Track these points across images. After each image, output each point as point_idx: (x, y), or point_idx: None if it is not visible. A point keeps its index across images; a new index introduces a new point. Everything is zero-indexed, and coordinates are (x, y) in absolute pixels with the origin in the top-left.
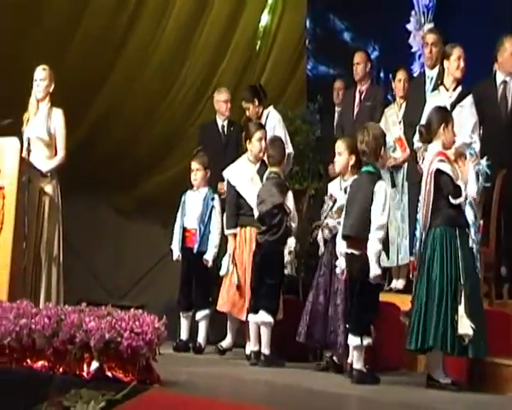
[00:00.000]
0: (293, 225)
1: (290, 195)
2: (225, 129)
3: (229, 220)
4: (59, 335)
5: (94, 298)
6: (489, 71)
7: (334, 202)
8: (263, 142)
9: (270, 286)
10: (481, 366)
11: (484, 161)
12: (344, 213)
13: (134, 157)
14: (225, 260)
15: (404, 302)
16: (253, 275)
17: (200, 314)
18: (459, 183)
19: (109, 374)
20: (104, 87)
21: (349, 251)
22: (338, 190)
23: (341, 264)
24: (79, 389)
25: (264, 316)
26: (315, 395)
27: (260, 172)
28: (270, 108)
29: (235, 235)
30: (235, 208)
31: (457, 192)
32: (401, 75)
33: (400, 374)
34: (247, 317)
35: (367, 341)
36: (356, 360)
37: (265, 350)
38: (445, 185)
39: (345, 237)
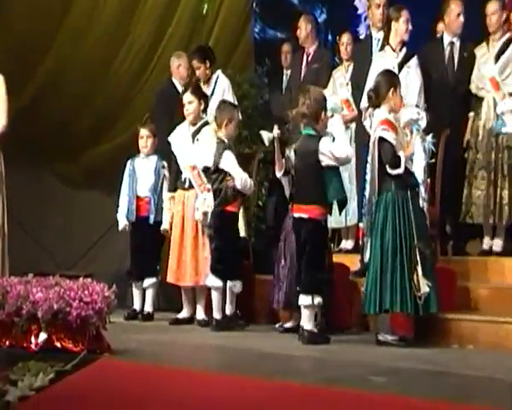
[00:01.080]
0: (238, 186)
1: (226, 155)
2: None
3: (169, 184)
4: (4, 307)
5: (42, 270)
6: (428, 33)
7: None
8: (192, 105)
9: (217, 249)
10: (427, 322)
11: (429, 138)
12: (294, 178)
13: (79, 125)
14: (165, 218)
15: (354, 262)
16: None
17: (147, 282)
18: (400, 153)
19: (58, 345)
20: (48, 54)
21: (297, 215)
22: None
23: None
24: (27, 361)
25: (212, 280)
26: (266, 358)
27: (194, 135)
28: (219, 72)
29: (172, 198)
30: (174, 172)
31: (396, 162)
32: (345, 38)
33: (351, 333)
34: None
35: (317, 300)
36: (306, 320)
37: (216, 315)
38: (385, 154)
39: (293, 202)
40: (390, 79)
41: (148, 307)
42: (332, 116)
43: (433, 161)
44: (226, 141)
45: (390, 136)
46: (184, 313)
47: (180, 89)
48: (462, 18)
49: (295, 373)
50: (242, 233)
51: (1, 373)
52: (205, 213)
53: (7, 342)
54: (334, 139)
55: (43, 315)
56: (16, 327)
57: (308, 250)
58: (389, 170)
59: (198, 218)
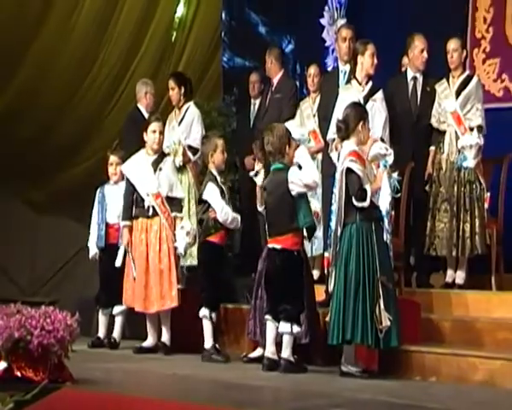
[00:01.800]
0: (219, 218)
1: (208, 187)
2: None
3: (123, 213)
4: None
5: (5, 295)
6: (395, 67)
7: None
8: (157, 134)
9: (201, 281)
10: (391, 354)
11: (395, 175)
12: (265, 214)
13: (47, 148)
14: (120, 255)
15: (319, 293)
16: None
17: (116, 310)
18: (367, 187)
19: (18, 374)
20: (16, 76)
21: (270, 246)
22: None
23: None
24: None
25: (202, 311)
26: (230, 388)
27: (156, 164)
28: (191, 103)
29: (129, 227)
30: (130, 201)
31: (362, 195)
32: (312, 70)
33: (316, 364)
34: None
35: (296, 329)
36: (284, 348)
37: (207, 344)
38: (352, 186)
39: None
40: (360, 112)
41: (116, 335)
42: (298, 146)
43: (399, 195)
44: (214, 172)
45: (357, 168)
46: (149, 342)
47: (146, 116)
48: (425, 54)
49: (260, 404)
50: (194, 261)
51: None
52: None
53: None
54: (300, 168)
55: (3, 344)
56: None
57: (284, 280)
58: (355, 202)
59: (179, 248)
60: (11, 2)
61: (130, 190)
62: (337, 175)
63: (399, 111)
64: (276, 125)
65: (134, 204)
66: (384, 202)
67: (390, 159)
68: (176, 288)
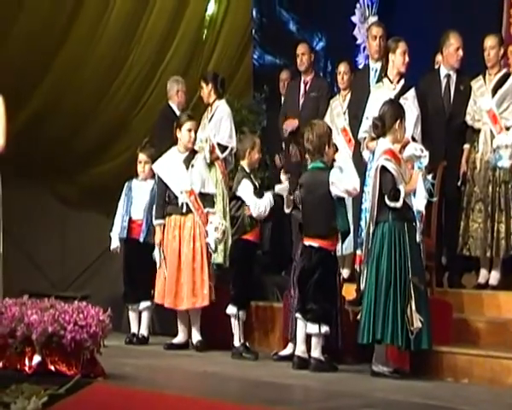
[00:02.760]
0: (253, 213)
1: (243, 184)
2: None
3: (156, 211)
4: None
5: (37, 289)
6: (428, 64)
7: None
8: (192, 132)
9: (233, 279)
10: (422, 354)
11: (430, 178)
12: (302, 210)
13: (79, 146)
14: (156, 253)
15: (349, 291)
16: None
17: (142, 305)
18: (401, 187)
19: (52, 368)
20: (48, 75)
21: (307, 243)
22: None
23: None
24: (20, 384)
25: (230, 308)
26: (261, 386)
27: (187, 161)
28: (223, 100)
29: (162, 226)
30: (162, 199)
31: (395, 195)
32: (342, 68)
33: (346, 363)
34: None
35: (325, 329)
36: (313, 349)
37: (236, 342)
38: (386, 184)
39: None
40: (397, 110)
41: (144, 331)
42: (337, 150)
43: (435, 200)
44: (247, 169)
45: (392, 167)
46: (180, 338)
47: (178, 113)
48: (460, 52)
49: (289, 403)
50: (220, 259)
51: None
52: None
53: (0, 364)
54: (341, 170)
55: (37, 338)
56: (10, 349)
57: (317, 278)
58: (387, 201)
59: (212, 248)
60: (42, 9)
61: (163, 189)
62: (371, 173)
63: (432, 109)
64: (316, 123)
65: (167, 202)
66: (419, 205)
67: (425, 161)
68: (208, 286)
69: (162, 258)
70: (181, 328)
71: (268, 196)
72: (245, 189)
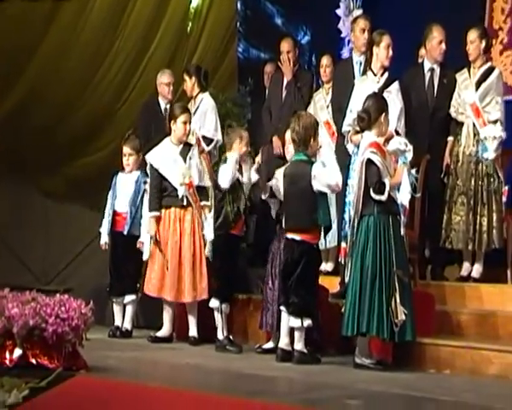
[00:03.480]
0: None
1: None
2: (168, 112)
3: (151, 203)
4: None
5: (20, 283)
6: (412, 58)
7: None
8: (187, 125)
9: (215, 272)
10: (405, 346)
11: (413, 172)
12: (283, 202)
13: (62, 138)
14: (147, 244)
15: (333, 284)
16: None
17: (127, 299)
18: (386, 180)
19: (33, 361)
20: (30, 65)
21: (289, 236)
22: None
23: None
24: (1, 377)
25: (213, 302)
26: (243, 378)
27: (183, 154)
28: (206, 93)
29: (157, 218)
30: (158, 191)
31: (380, 188)
32: (325, 60)
33: (328, 355)
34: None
35: (307, 322)
36: (296, 341)
37: (220, 335)
38: (371, 177)
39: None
40: (382, 103)
41: (127, 324)
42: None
43: (418, 195)
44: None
45: (377, 159)
46: (164, 331)
47: (163, 106)
48: (443, 45)
49: (273, 394)
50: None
51: None
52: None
53: None
54: (324, 165)
55: (18, 331)
56: None
57: (299, 272)
58: (373, 194)
59: (209, 241)
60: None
61: (158, 180)
62: (355, 166)
63: (415, 103)
64: (303, 114)
65: (165, 193)
66: (404, 199)
67: (409, 155)
68: (206, 280)
69: (154, 250)
70: (166, 321)
71: (232, 163)
72: (223, 168)
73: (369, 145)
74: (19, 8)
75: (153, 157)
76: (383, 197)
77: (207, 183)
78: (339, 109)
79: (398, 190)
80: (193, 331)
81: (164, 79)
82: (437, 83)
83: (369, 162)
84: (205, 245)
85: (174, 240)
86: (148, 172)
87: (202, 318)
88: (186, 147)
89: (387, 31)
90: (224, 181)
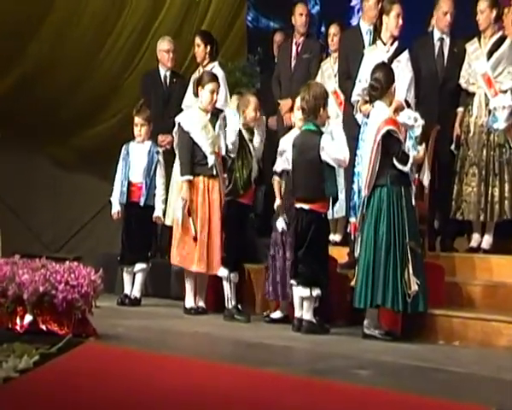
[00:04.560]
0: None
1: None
2: (168, 80)
3: (184, 166)
4: None
5: (30, 251)
6: (421, 26)
7: None
8: (214, 94)
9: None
10: (414, 317)
11: (420, 148)
12: (292, 171)
13: (72, 107)
14: (178, 207)
15: (342, 255)
16: None
17: (137, 267)
18: (409, 153)
19: (43, 327)
20: (40, 33)
21: (298, 206)
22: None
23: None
24: (12, 343)
25: (222, 271)
26: (253, 348)
27: (213, 122)
28: (216, 63)
29: (190, 182)
30: (190, 155)
31: (403, 158)
32: (332, 29)
33: (336, 326)
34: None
35: (316, 292)
36: (305, 311)
37: (228, 304)
38: (393, 147)
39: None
40: (392, 73)
41: (136, 293)
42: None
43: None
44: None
45: (398, 133)
46: (190, 303)
47: (163, 74)
48: (448, 17)
49: (280, 364)
50: None
51: None
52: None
53: None
54: (332, 138)
55: (28, 297)
56: (2, 308)
57: (308, 241)
58: (396, 163)
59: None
60: None
61: (190, 144)
62: (364, 136)
63: (425, 72)
64: (314, 84)
65: (195, 160)
66: (425, 179)
67: (418, 130)
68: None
69: (186, 219)
70: (189, 293)
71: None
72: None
73: (385, 123)
74: None
75: (183, 120)
76: (406, 168)
77: (234, 154)
78: (346, 77)
79: (419, 172)
80: (200, 302)
81: (163, 45)
82: (447, 53)
83: (389, 134)
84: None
85: (203, 211)
86: (176, 135)
87: (213, 287)
88: (214, 115)
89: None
90: (229, 140)
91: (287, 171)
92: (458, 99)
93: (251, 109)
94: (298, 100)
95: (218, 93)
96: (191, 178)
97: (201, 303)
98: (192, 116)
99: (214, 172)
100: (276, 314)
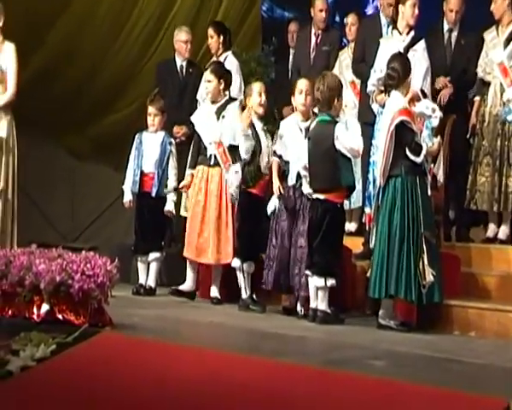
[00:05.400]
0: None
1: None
2: (184, 70)
3: (190, 160)
4: (8, 277)
5: (46, 240)
6: (438, 15)
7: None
8: (208, 84)
9: (237, 231)
10: (429, 307)
11: (435, 140)
12: (308, 163)
13: (87, 97)
14: (169, 198)
15: (357, 245)
16: None
17: (152, 256)
18: (423, 144)
19: (60, 317)
20: (56, 26)
21: (314, 196)
22: (294, 129)
23: (271, 206)
24: (29, 332)
25: (235, 261)
26: (267, 338)
27: (219, 112)
28: (229, 52)
29: (192, 175)
30: (196, 150)
31: (416, 149)
32: (350, 19)
33: (351, 315)
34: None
35: (330, 282)
36: (320, 301)
37: (243, 294)
38: (406, 137)
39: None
40: (408, 65)
41: (151, 282)
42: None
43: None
44: (252, 119)
45: (410, 124)
46: (186, 286)
47: (179, 64)
48: (454, 15)
49: (295, 354)
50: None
51: (3, 343)
52: (237, 187)
53: (9, 312)
54: (347, 128)
55: (45, 287)
56: (19, 297)
57: (323, 231)
58: (408, 153)
59: (232, 192)
60: None
61: (197, 139)
62: (380, 125)
63: (435, 62)
64: (329, 74)
65: (200, 152)
66: (439, 173)
67: (435, 121)
68: (231, 243)
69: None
70: (189, 276)
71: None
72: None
73: (399, 113)
74: None
75: (194, 116)
76: (418, 159)
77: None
78: (361, 61)
79: (434, 162)
80: (214, 292)
81: (181, 36)
82: (453, 44)
83: (403, 124)
84: (233, 207)
85: (197, 199)
86: (182, 132)
87: (228, 278)
88: (223, 105)
89: None
90: (243, 152)
91: (282, 157)
92: (464, 88)
93: (255, 95)
94: (300, 83)
95: (217, 81)
96: (192, 171)
97: (215, 293)
98: (200, 111)
99: (212, 162)
100: (285, 304)
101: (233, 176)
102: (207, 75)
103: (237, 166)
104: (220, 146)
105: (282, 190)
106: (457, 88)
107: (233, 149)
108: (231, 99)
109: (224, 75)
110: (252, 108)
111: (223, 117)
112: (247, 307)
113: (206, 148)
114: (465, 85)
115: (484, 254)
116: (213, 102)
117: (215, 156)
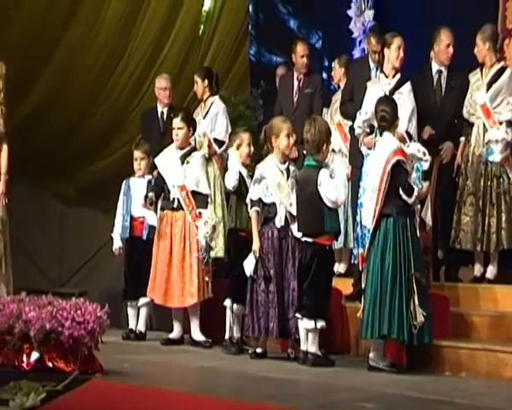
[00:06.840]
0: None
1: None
2: (164, 116)
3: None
4: None
5: (35, 286)
6: (424, 57)
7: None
8: (178, 131)
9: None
10: (419, 348)
11: (425, 185)
12: (296, 207)
13: (75, 143)
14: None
15: (346, 286)
16: None
17: (141, 301)
18: (414, 186)
19: (50, 365)
20: (44, 74)
21: (303, 239)
22: (275, 170)
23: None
24: (18, 380)
25: (227, 301)
26: (258, 381)
27: (183, 158)
28: (216, 97)
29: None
30: (159, 191)
31: (409, 190)
32: (336, 64)
33: (341, 357)
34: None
35: (320, 324)
36: (310, 344)
37: (232, 335)
38: (401, 177)
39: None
40: (396, 108)
41: (141, 327)
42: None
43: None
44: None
45: (407, 164)
46: (175, 334)
47: (160, 111)
48: (451, 49)
49: (286, 397)
50: (221, 254)
51: None
52: (207, 233)
53: None
54: (332, 177)
55: (35, 334)
56: (8, 346)
57: (313, 274)
58: (402, 193)
59: (202, 243)
60: (41, 3)
61: (161, 182)
62: (368, 167)
63: (424, 104)
64: (319, 119)
65: (162, 196)
66: (427, 216)
67: (426, 165)
68: (196, 284)
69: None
70: (176, 324)
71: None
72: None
73: (394, 153)
74: (35, 13)
75: (159, 160)
76: (410, 200)
77: (205, 190)
78: (348, 99)
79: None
80: (198, 336)
81: (160, 83)
82: (444, 85)
83: (398, 165)
84: (198, 250)
85: (163, 244)
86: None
87: (216, 318)
88: (188, 151)
89: (398, 31)
90: (228, 183)
91: (263, 201)
92: (453, 131)
93: (245, 146)
94: (286, 127)
95: (181, 128)
96: (151, 194)
97: (199, 337)
98: (164, 155)
99: (175, 206)
100: (259, 350)
101: (202, 229)
102: (178, 123)
103: (205, 213)
104: (183, 190)
105: (260, 254)
106: (442, 131)
107: (195, 195)
108: (194, 149)
109: (192, 123)
110: (240, 157)
111: (187, 163)
112: (230, 350)
113: (169, 191)
114: (451, 127)
115: (472, 293)
116: (181, 148)
117: (178, 200)
